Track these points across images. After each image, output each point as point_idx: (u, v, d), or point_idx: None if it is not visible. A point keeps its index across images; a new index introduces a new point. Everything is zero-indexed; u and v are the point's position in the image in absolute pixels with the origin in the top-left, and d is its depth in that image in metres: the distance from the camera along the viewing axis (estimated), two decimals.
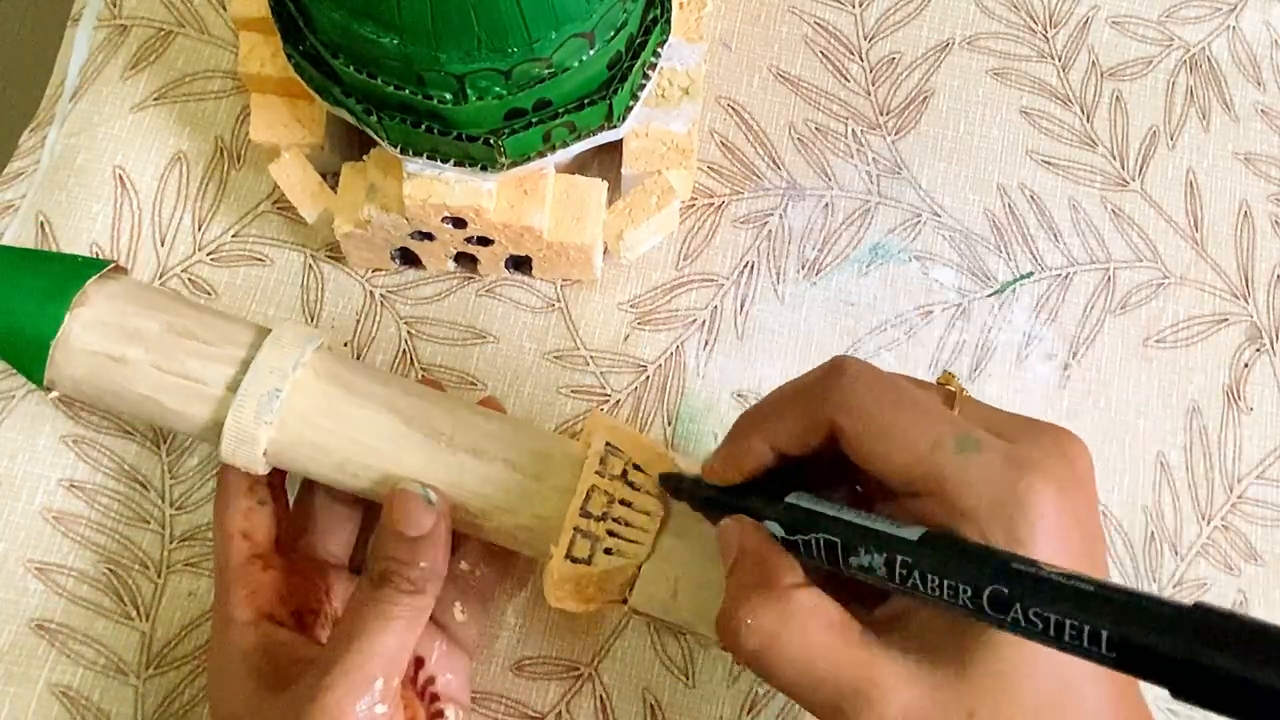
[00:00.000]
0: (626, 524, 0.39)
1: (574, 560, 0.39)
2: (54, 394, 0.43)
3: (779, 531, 0.34)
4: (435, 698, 0.41)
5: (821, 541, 0.33)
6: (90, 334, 0.41)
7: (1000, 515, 0.30)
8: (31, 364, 0.41)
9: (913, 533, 0.31)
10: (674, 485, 0.39)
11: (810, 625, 0.32)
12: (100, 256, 0.49)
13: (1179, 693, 0.25)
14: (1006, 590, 0.28)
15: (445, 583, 0.41)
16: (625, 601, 0.40)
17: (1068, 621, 0.27)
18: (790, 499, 0.34)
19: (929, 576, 0.30)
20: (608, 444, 0.40)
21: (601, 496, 0.39)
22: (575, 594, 0.40)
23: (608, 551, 0.39)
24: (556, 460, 0.41)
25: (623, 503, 0.40)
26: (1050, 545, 0.30)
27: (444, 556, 0.39)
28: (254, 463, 0.41)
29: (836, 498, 0.34)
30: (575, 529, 0.39)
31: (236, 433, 0.40)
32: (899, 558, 0.31)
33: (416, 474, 0.40)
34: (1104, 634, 0.26)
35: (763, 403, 0.36)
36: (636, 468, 0.40)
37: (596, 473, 0.40)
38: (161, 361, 0.40)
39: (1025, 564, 0.29)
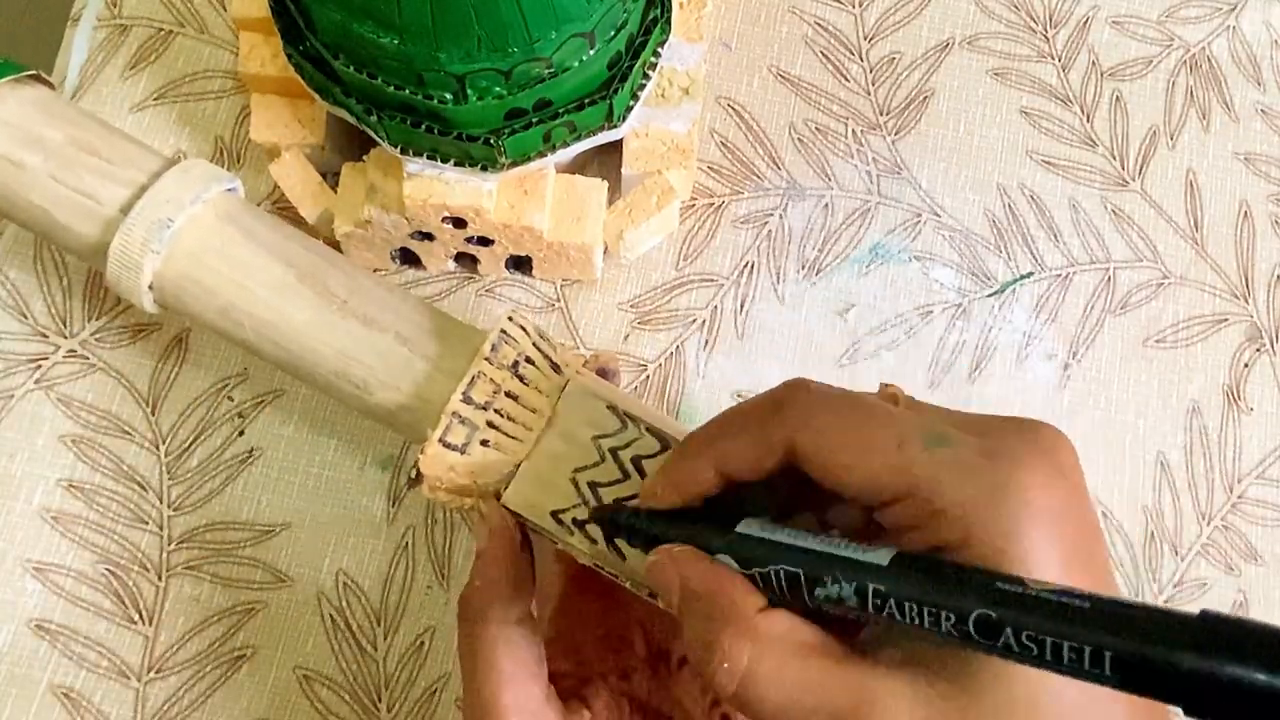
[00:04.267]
0: (509, 418, 0.37)
1: (448, 446, 0.37)
2: None
3: (732, 565, 0.31)
4: None
5: (782, 574, 0.30)
6: None
7: (981, 510, 0.28)
8: None
9: (882, 556, 0.28)
10: (608, 519, 0.35)
11: (788, 653, 0.29)
12: (18, 64, 0.45)
13: (1192, 710, 0.23)
14: (994, 615, 0.26)
15: None
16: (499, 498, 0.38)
17: (1065, 644, 0.25)
18: (741, 528, 0.31)
19: (906, 604, 0.27)
20: (502, 332, 0.38)
21: (487, 384, 0.37)
22: (448, 485, 0.37)
23: (484, 443, 0.37)
24: (454, 344, 0.39)
25: (509, 395, 0.37)
26: (1041, 540, 0.28)
27: None
28: (139, 294, 0.39)
29: (797, 525, 0.32)
30: (454, 414, 0.37)
31: (121, 257, 0.38)
32: (871, 585, 0.28)
33: (300, 330, 0.38)
34: (1106, 654, 0.24)
35: (710, 424, 0.33)
36: (529, 361, 0.38)
37: (486, 359, 0.37)
38: (58, 172, 0.39)
39: (1012, 583, 0.26)
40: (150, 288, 0.39)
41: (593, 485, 0.37)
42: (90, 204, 0.39)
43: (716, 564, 0.31)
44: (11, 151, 0.39)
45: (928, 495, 0.29)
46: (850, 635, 0.30)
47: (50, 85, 0.43)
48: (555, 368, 0.39)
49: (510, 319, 0.38)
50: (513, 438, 0.37)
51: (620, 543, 0.36)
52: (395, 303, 0.40)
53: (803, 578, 0.29)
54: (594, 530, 0.36)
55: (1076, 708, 0.28)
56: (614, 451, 0.37)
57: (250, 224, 0.40)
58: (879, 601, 0.28)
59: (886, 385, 0.33)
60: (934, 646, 0.29)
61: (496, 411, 0.37)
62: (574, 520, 0.37)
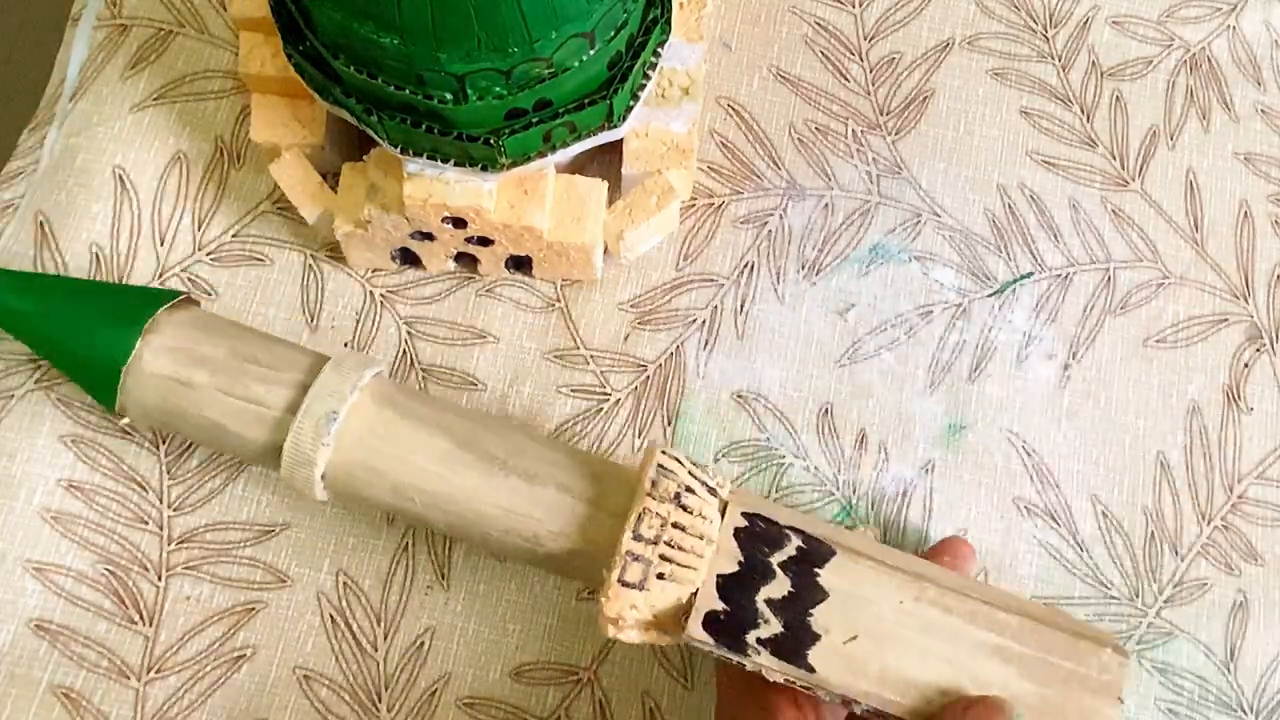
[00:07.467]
0: (680, 548, 0.38)
1: (626, 585, 0.38)
2: (125, 420, 0.44)
3: None
4: None
5: None
6: (160, 359, 0.42)
7: None
8: (104, 388, 0.42)
9: None
10: None
11: None
12: (170, 289, 0.48)
13: None
14: None
15: None
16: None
17: None
18: None
19: None
20: (659, 466, 0.39)
21: (654, 519, 0.38)
22: (631, 623, 0.38)
23: (660, 576, 0.38)
24: (612, 484, 0.40)
25: (676, 526, 0.38)
26: None
27: None
28: (312, 486, 0.41)
29: None
30: (628, 553, 0.38)
31: (295, 455, 0.40)
32: None
33: (468, 496, 0.40)
34: None
35: None
36: (689, 490, 0.39)
37: (648, 494, 0.38)
38: (226, 385, 0.41)
39: None
40: (322, 478, 0.41)
41: (769, 602, 0.38)
42: (259, 410, 0.41)
43: None
44: (179, 373, 0.42)
45: None
46: None
47: (197, 303, 0.46)
48: (712, 491, 0.39)
49: (664, 452, 0.39)
50: (686, 567, 0.38)
51: (811, 656, 0.37)
52: (549, 453, 0.41)
53: None
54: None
55: None
56: (783, 565, 0.38)
57: (405, 403, 0.42)
58: None
59: None
60: None
61: (667, 544, 0.38)
62: (758, 640, 0.37)
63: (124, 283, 0.49)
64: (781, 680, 0.37)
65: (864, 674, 0.37)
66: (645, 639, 0.39)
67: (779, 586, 0.38)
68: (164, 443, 0.48)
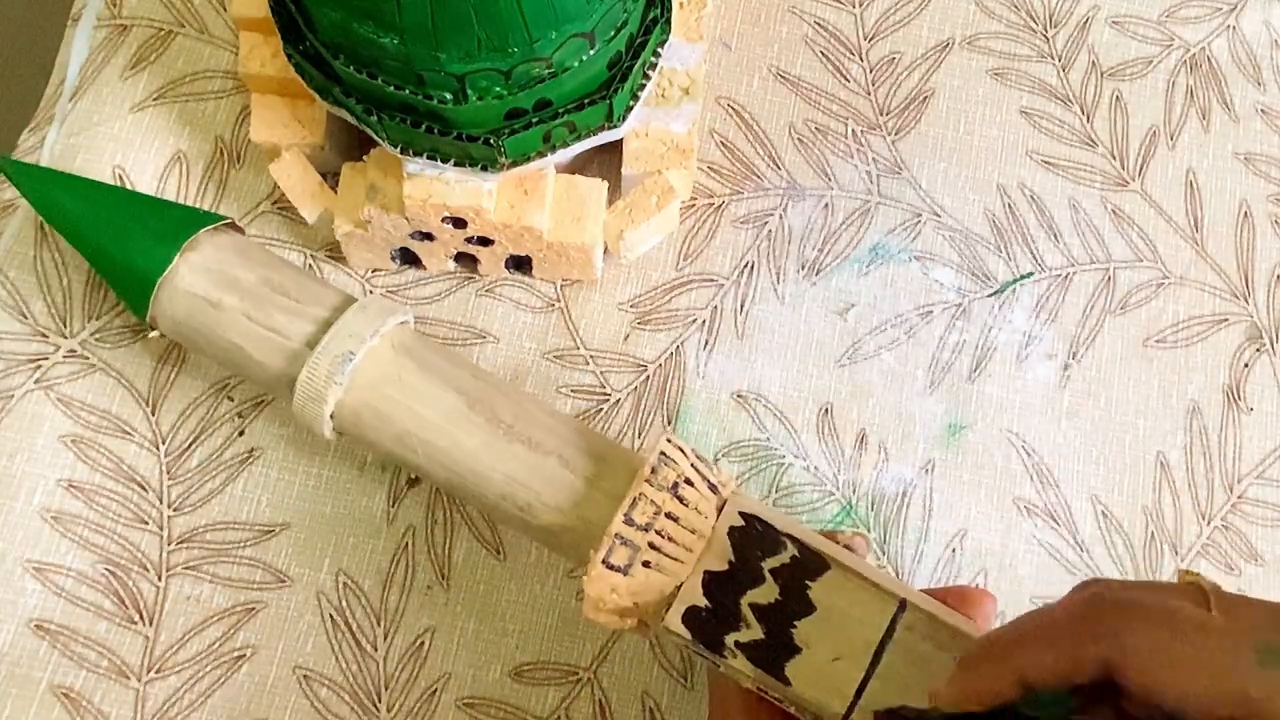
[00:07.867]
0: (670, 539, 0.38)
1: (610, 568, 0.37)
2: (155, 333, 0.45)
3: None
4: None
5: None
6: (194, 277, 0.43)
7: None
8: (138, 298, 0.44)
9: None
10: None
11: None
12: (215, 212, 0.49)
13: None
14: None
15: None
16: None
17: None
18: None
19: None
20: (662, 454, 0.39)
21: (648, 506, 0.38)
22: (611, 606, 0.38)
23: (646, 564, 0.37)
24: (613, 466, 0.40)
25: (669, 516, 0.38)
26: None
27: None
28: (320, 423, 0.42)
29: None
30: (616, 535, 0.37)
31: (307, 390, 0.41)
32: None
33: (470, 456, 0.40)
34: None
35: (1012, 631, 0.33)
36: (688, 482, 0.38)
37: (646, 480, 0.38)
38: (252, 311, 0.43)
39: None
40: (331, 416, 0.42)
41: (754, 607, 0.37)
42: (280, 340, 0.42)
43: None
44: (210, 293, 0.43)
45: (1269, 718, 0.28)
46: None
47: (241, 231, 0.47)
48: (713, 488, 0.39)
49: (669, 441, 0.39)
50: (674, 559, 0.38)
51: (788, 669, 0.36)
52: (557, 426, 0.42)
53: None
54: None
55: None
56: (774, 572, 0.38)
57: (423, 354, 0.42)
58: None
59: (1186, 573, 0.32)
60: None
61: (658, 533, 0.38)
62: (736, 643, 0.37)
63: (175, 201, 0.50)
64: (753, 688, 0.37)
65: (840, 695, 0.36)
66: (623, 626, 0.39)
67: (766, 593, 0.38)
68: (164, 443, 0.48)
